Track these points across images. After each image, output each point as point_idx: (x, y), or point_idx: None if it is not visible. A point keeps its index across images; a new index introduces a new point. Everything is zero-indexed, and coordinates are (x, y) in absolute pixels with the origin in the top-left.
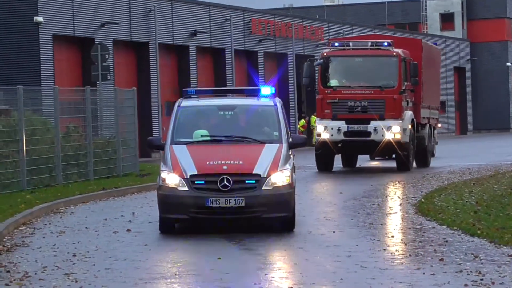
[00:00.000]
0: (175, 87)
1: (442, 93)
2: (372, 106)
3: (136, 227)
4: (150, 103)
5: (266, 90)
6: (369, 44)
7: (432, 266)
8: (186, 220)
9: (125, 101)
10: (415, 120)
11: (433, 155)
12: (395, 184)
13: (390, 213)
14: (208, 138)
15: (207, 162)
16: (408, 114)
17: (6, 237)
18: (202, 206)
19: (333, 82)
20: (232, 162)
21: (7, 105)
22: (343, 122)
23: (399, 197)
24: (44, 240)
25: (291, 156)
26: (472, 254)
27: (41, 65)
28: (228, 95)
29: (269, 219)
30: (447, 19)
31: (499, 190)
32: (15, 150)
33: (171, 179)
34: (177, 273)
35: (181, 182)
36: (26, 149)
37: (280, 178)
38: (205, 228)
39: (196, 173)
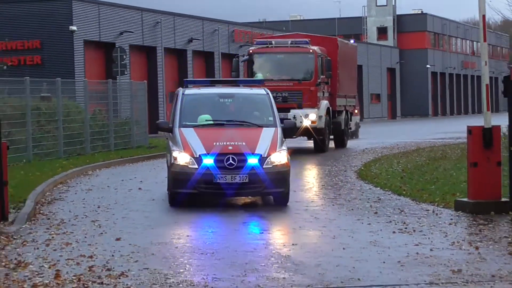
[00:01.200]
0: (175, 81)
1: (377, 88)
2: (292, 97)
3: (145, 187)
4: (157, 93)
5: (256, 81)
6: (289, 42)
7: (368, 217)
8: (195, 194)
9: (138, 91)
10: (330, 108)
11: (357, 136)
12: (341, 157)
13: (337, 177)
14: (212, 122)
15: (214, 143)
16: (324, 103)
17: (47, 193)
18: (210, 182)
19: (258, 76)
20: (236, 143)
21: (49, 93)
22: None
23: (344, 166)
24: (75, 195)
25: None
26: (399, 209)
27: (75, 63)
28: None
29: (268, 193)
30: (382, 31)
31: (420, 161)
32: (55, 127)
33: (182, 158)
34: (176, 221)
35: (191, 160)
36: (62, 127)
37: (278, 158)
38: (206, 199)
39: (205, 152)
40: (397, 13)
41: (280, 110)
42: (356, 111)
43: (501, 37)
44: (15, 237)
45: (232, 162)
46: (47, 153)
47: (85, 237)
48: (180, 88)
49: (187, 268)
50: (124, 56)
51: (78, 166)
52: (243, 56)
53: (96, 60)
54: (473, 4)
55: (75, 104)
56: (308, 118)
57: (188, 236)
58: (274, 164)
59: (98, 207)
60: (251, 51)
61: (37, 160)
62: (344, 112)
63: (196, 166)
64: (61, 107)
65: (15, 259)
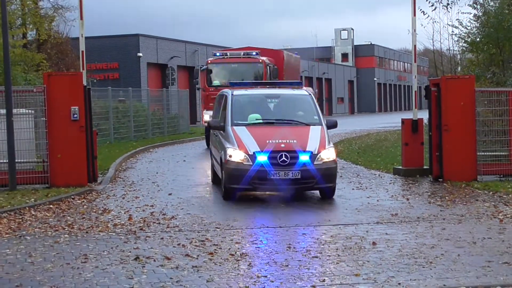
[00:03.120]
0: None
1: (341, 93)
2: None
3: (188, 159)
4: (195, 97)
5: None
6: (242, 54)
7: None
8: (249, 189)
9: (182, 96)
10: None
11: None
12: None
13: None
14: (262, 121)
15: (267, 141)
16: None
17: (123, 164)
18: (265, 178)
19: (215, 83)
20: (287, 141)
21: (124, 98)
22: None
23: None
24: (142, 165)
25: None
26: (356, 173)
27: (141, 77)
28: (266, 86)
29: (318, 188)
30: (344, 56)
31: (370, 142)
32: (128, 120)
33: (237, 155)
34: (208, 182)
35: (246, 157)
36: (133, 120)
37: (327, 155)
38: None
39: (259, 150)
40: (355, 44)
41: None
42: None
43: (423, 60)
44: (101, 193)
45: (285, 159)
46: (123, 137)
47: (148, 193)
48: (227, 89)
49: (216, 214)
50: (173, 73)
51: (143, 146)
52: (203, 66)
53: (155, 76)
54: (405, 38)
55: (141, 105)
56: None
57: (218, 192)
58: (323, 160)
59: (157, 173)
60: (209, 61)
61: (116, 142)
62: None
63: (251, 163)
64: (132, 107)
65: (102, 207)
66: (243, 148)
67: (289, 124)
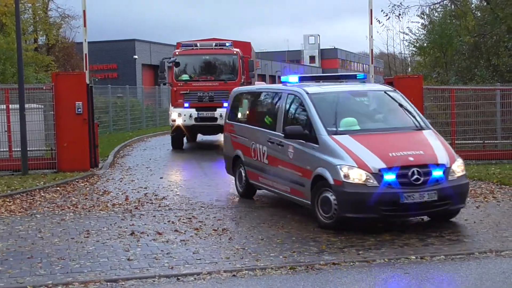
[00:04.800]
0: None
1: None
2: (218, 96)
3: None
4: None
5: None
6: (214, 44)
7: None
8: (375, 219)
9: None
10: None
11: None
12: None
13: None
14: (358, 128)
15: (389, 154)
16: None
17: (120, 152)
18: (396, 203)
19: (185, 77)
20: (413, 152)
21: (122, 94)
22: (194, 109)
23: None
24: (137, 153)
25: None
26: None
27: (136, 76)
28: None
29: (454, 211)
30: (312, 58)
31: None
32: (125, 113)
33: (357, 175)
34: (200, 166)
35: (369, 177)
36: (129, 113)
37: (459, 167)
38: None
39: (384, 166)
40: (321, 47)
41: (206, 109)
42: None
43: (379, 62)
44: (102, 177)
45: (418, 176)
46: (121, 128)
47: (142, 176)
48: (293, 87)
49: (201, 194)
50: (165, 73)
51: (138, 136)
52: (169, 58)
53: (149, 75)
54: (364, 43)
55: (136, 100)
56: None
57: (202, 176)
58: (456, 175)
59: (150, 159)
60: (177, 53)
61: (115, 133)
62: None
63: (376, 184)
64: (128, 102)
65: (102, 189)
66: (362, 164)
67: (397, 129)
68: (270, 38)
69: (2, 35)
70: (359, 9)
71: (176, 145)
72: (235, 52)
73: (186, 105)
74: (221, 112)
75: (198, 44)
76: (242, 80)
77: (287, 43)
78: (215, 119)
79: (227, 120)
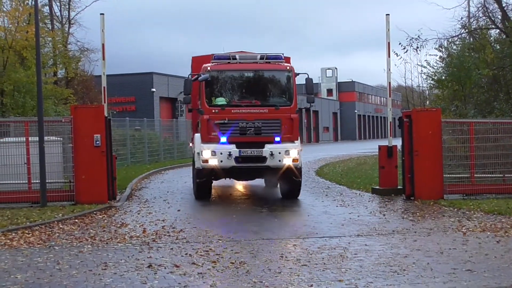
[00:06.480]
0: None
1: (327, 123)
2: (267, 128)
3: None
4: None
5: None
6: (259, 57)
7: (322, 197)
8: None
9: (190, 125)
10: None
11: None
12: (306, 163)
13: (304, 175)
14: None
15: None
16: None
17: (138, 184)
18: None
19: (220, 101)
20: None
21: (140, 127)
22: (234, 146)
23: (308, 168)
24: (154, 185)
25: None
26: (340, 192)
27: (154, 109)
28: None
29: None
30: (329, 91)
31: (351, 165)
32: (143, 146)
33: None
34: (213, 199)
35: None
36: (147, 146)
37: None
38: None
39: None
40: (338, 81)
41: (252, 145)
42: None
43: (396, 95)
44: (120, 209)
45: None
46: (138, 161)
47: (160, 209)
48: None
49: (218, 227)
50: (182, 105)
51: (156, 168)
52: (199, 75)
53: (166, 108)
54: (381, 76)
55: (154, 133)
56: (289, 155)
57: (218, 208)
58: None
59: (167, 192)
60: (208, 68)
61: (132, 165)
62: None
63: None
64: (146, 135)
65: (120, 222)
66: None
67: None
68: None
69: (23, 69)
70: (372, 41)
71: (202, 194)
72: (288, 68)
73: (223, 139)
74: (272, 149)
75: (237, 57)
76: (299, 106)
77: (304, 76)
78: (264, 159)
79: None
